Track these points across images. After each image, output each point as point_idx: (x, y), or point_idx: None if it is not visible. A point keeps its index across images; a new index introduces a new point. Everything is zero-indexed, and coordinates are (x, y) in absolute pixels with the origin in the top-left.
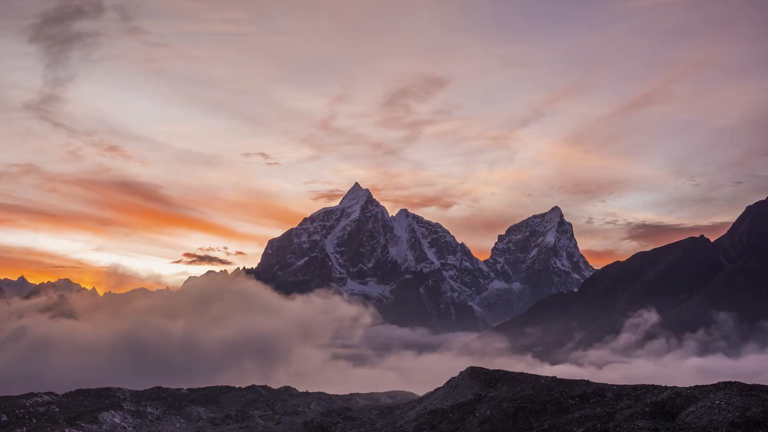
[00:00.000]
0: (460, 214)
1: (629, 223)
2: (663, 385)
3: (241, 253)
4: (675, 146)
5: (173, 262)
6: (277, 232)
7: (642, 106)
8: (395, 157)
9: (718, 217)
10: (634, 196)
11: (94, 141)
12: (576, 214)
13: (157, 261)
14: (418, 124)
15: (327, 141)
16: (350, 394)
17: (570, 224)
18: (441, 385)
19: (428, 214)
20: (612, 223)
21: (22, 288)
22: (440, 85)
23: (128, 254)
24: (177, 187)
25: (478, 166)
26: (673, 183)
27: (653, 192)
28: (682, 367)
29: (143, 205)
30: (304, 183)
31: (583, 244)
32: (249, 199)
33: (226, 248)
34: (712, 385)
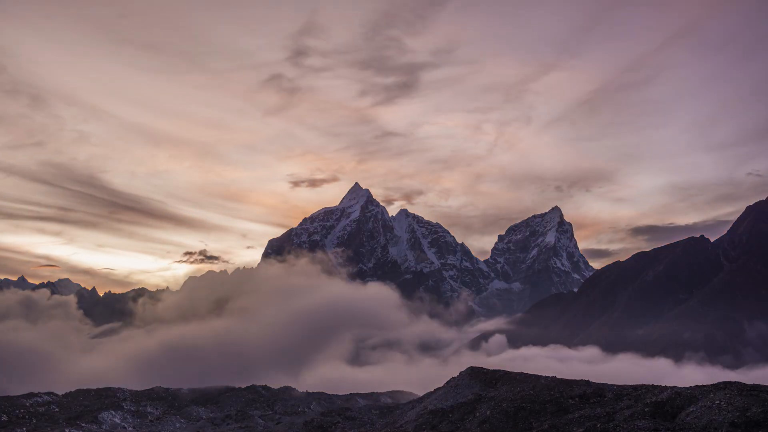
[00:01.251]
0: (458, 203)
1: (630, 224)
2: (663, 385)
3: (248, 247)
4: (702, 106)
5: (159, 259)
6: (258, 227)
7: (672, 45)
8: (384, 124)
9: (730, 208)
10: (648, 179)
11: (5, 85)
12: (584, 200)
13: (137, 258)
14: (414, 68)
15: (297, 94)
16: (350, 394)
17: (570, 224)
18: (441, 385)
19: (426, 203)
20: (616, 220)
21: (22, 288)
22: (437, 4)
23: (108, 251)
24: (127, 170)
25: (486, 127)
26: (693, 158)
27: (669, 172)
28: (680, 367)
29: (99, 195)
30: (278, 160)
31: (584, 243)
32: (218, 188)
33: (205, 244)
34: (712, 385)
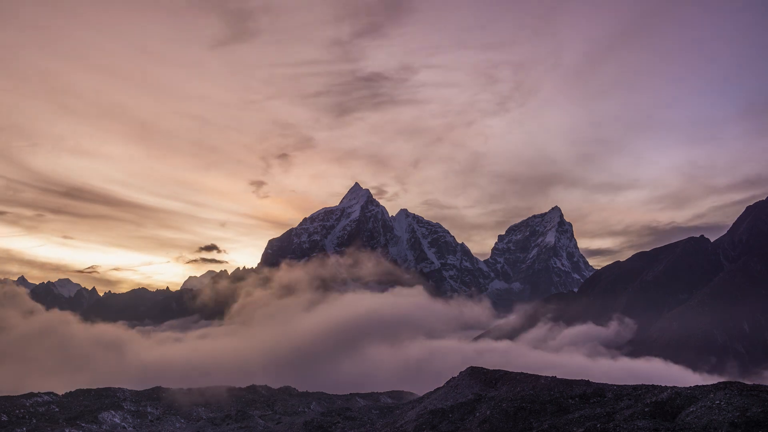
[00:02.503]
0: (455, 184)
1: (631, 223)
2: (662, 385)
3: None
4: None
5: (132, 254)
6: (235, 219)
7: None
8: (368, 65)
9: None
10: (664, 154)
11: None
12: (592, 192)
13: (105, 253)
14: None
15: (250, 19)
16: (350, 394)
17: (570, 224)
18: (441, 384)
19: (419, 186)
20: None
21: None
22: None
23: (74, 245)
24: (50, 147)
25: (500, 73)
26: (718, 126)
27: (689, 144)
28: (680, 367)
29: (33, 182)
30: (235, 124)
31: (584, 243)
32: (169, 174)
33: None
34: (712, 385)
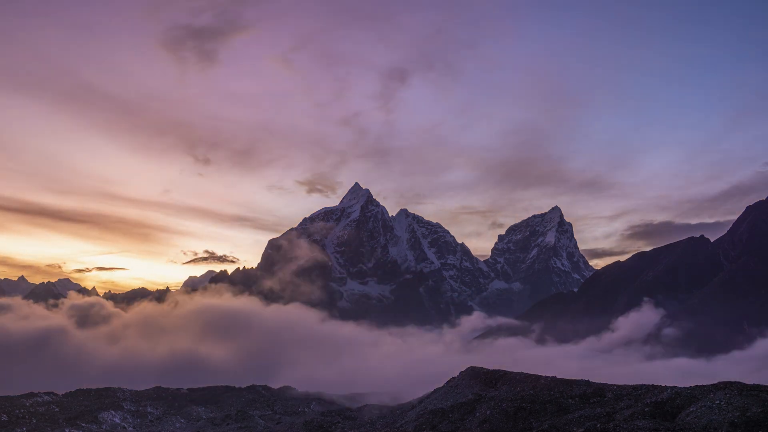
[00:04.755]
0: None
1: (632, 223)
2: (662, 385)
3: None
4: None
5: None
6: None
7: None
8: None
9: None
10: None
11: None
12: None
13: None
14: None
15: None
16: (350, 394)
17: (570, 224)
18: (441, 385)
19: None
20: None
21: (23, 288)
22: None
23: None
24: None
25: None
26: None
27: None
28: (679, 368)
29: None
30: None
31: (584, 243)
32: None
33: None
34: (712, 385)
